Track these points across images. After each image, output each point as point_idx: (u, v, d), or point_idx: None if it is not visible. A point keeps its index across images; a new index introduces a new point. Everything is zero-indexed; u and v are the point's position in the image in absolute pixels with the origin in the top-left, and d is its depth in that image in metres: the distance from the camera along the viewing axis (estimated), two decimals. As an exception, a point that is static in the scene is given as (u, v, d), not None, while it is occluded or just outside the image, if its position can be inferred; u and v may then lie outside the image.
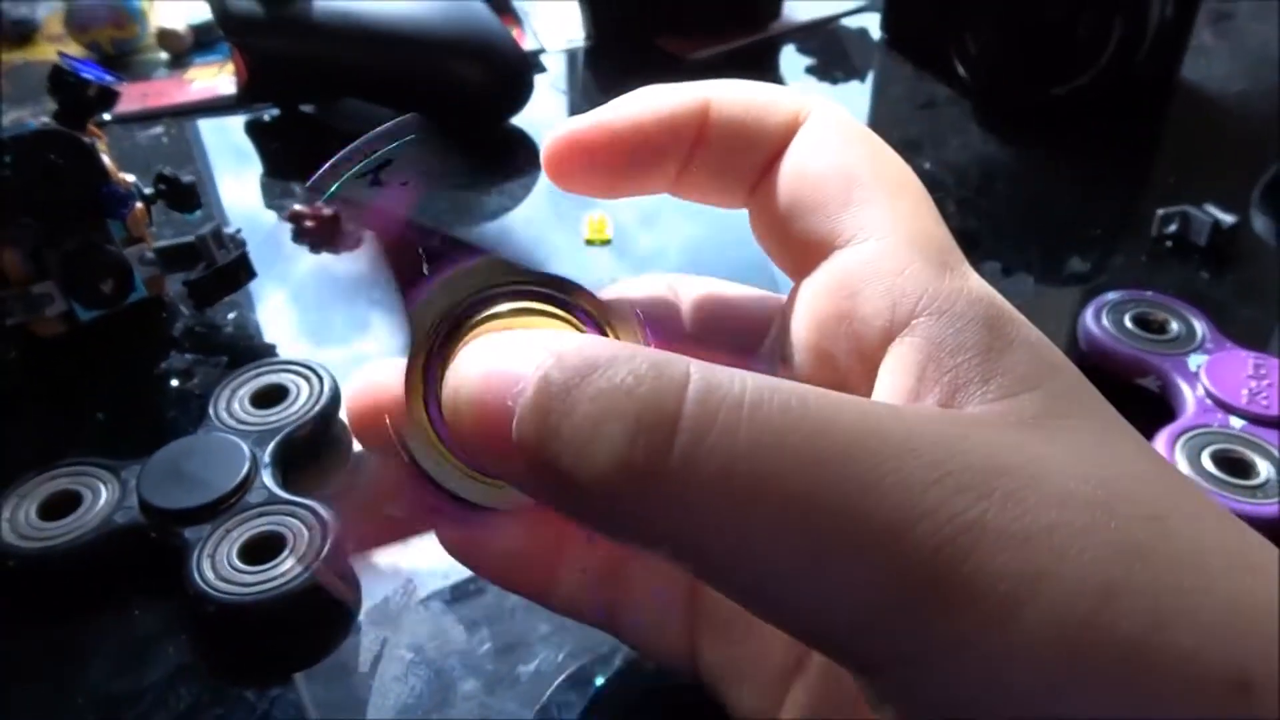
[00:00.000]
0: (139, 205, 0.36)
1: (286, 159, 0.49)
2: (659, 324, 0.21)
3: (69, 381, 0.35)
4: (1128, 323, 0.34)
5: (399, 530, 0.20)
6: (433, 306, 0.19)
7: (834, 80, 0.57)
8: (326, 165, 0.19)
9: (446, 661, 0.26)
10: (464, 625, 0.27)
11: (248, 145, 0.51)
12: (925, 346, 0.17)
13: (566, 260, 0.40)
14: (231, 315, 0.38)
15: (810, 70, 0.58)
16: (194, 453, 0.29)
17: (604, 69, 0.58)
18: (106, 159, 0.35)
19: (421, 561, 0.28)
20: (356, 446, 0.32)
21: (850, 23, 0.62)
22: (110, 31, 0.56)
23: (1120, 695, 0.13)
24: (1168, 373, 0.33)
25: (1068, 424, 0.15)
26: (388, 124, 0.19)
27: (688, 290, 0.23)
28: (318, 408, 0.31)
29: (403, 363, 0.18)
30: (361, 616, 0.27)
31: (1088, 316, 0.35)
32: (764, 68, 0.59)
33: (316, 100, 0.52)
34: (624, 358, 0.14)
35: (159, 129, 0.51)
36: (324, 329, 0.38)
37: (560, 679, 0.25)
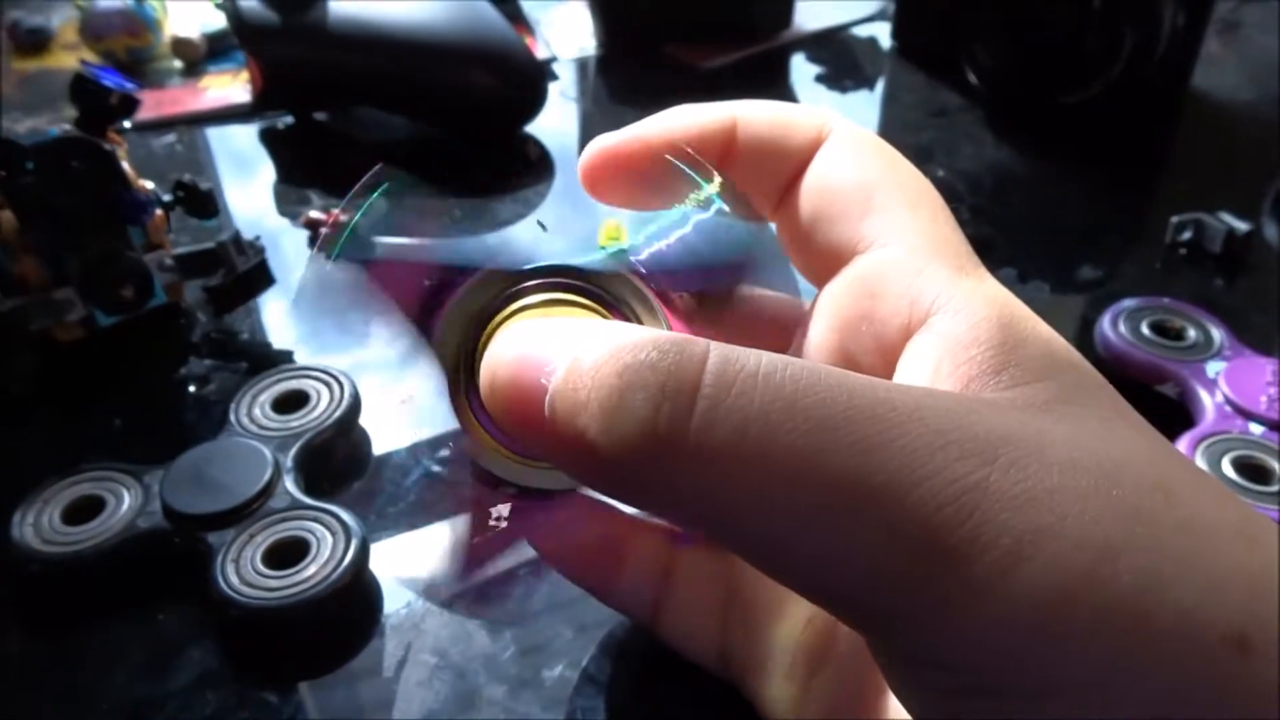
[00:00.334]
0: (158, 212, 0.36)
1: (300, 167, 0.49)
2: (683, 312, 0.22)
3: (88, 387, 0.35)
4: (1145, 329, 0.35)
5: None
6: (468, 302, 0.20)
7: (844, 89, 0.57)
8: (322, 236, 0.20)
9: (470, 666, 0.26)
10: (487, 629, 0.27)
11: (261, 153, 0.51)
12: (941, 343, 0.17)
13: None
14: (249, 321, 0.39)
15: (820, 79, 0.58)
16: (216, 458, 0.29)
17: (615, 78, 0.59)
18: (126, 166, 0.35)
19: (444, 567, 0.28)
20: (377, 452, 0.32)
21: (860, 32, 0.63)
22: (125, 40, 0.56)
23: (1118, 648, 0.13)
24: (1186, 379, 0.33)
25: (1076, 410, 0.16)
26: (361, 181, 0.20)
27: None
28: (339, 413, 0.31)
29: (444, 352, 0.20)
30: (385, 621, 0.27)
31: (1105, 323, 0.35)
32: (774, 77, 0.59)
33: (331, 108, 0.52)
34: (648, 338, 0.15)
35: (172, 137, 0.52)
36: (341, 335, 0.38)
37: (584, 683, 0.25)
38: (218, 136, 0.52)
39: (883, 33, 0.62)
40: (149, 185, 0.36)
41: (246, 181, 0.49)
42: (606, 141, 0.22)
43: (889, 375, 0.19)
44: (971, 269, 0.19)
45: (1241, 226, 0.41)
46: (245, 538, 0.27)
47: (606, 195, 0.22)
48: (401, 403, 0.21)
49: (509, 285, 0.20)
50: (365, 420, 0.33)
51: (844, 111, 0.56)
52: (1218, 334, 0.34)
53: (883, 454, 0.14)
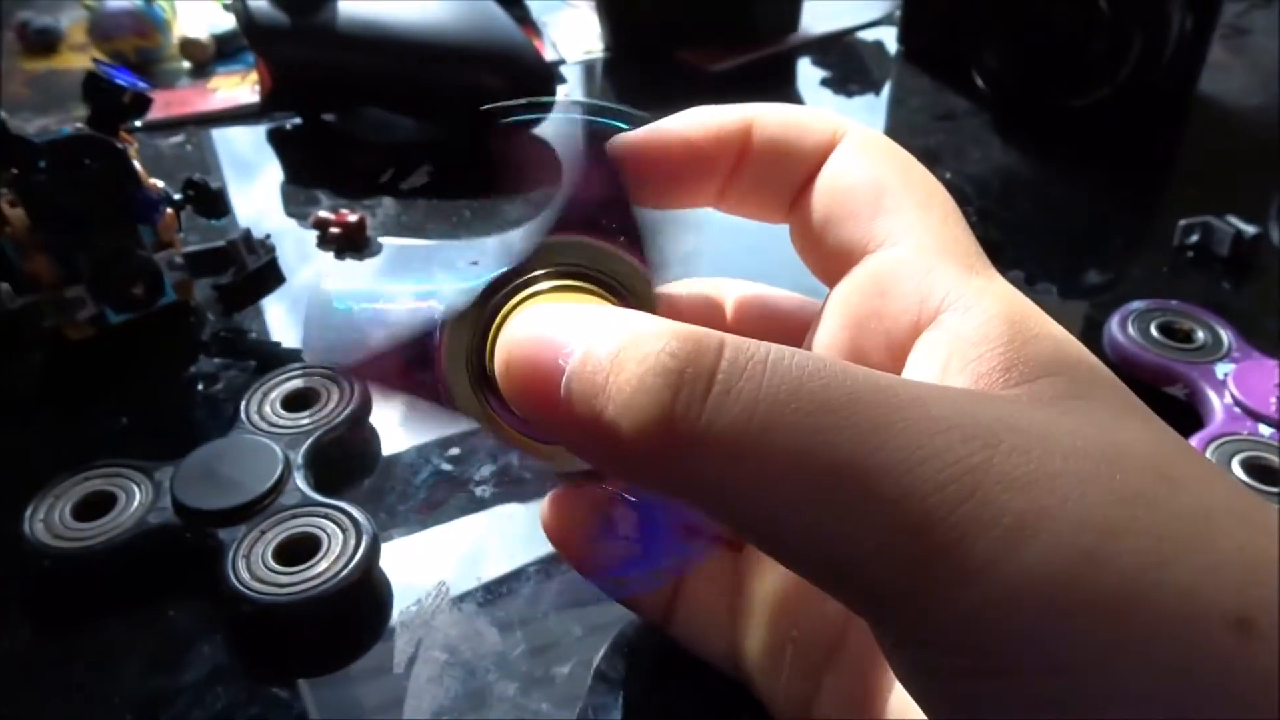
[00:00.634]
0: (169, 211, 0.36)
1: (308, 167, 0.50)
2: (701, 315, 0.22)
3: (98, 384, 0.36)
4: (1154, 331, 0.35)
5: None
6: (477, 297, 0.20)
7: (850, 93, 0.57)
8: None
9: (481, 663, 0.26)
10: (497, 627, 0.27)
11: (269, 153, 0.51)
12: (950, 340, 0.18)
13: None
14: (257, 320, 0.39)
15: (827, 83, 0.58)
16: (227, 455, 0.29)
17: (621, 80, 0.59)
18: (138, 165, 0.35)
19: (454, 564, 0.28)
20: (387, 449, 0.32)
21: (867, 36, 0.63)
22: (134, 40, 0.56)
23: (1119, 627, 0.13)
24: (1195, 381, 0.33)
25: (1083, 403, 0.16)
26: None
27: (731, 291, 0.25)
28: (348, 411, 0.31)
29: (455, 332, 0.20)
30: (395, 618, 0.27)
31: (1113, 325, 0.35)
32: (781, 80, 0.59)
33: (339, 109, 0.52)
34: (667, 328, 0.16)
35: (181, 137, 0.52)
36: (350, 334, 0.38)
37: (595, 680, 0.25)
38: (226, 137, 0.52)
39: (889, 37, 0.62)
40: (160, 184, 0.36)
41: (254, 182, 0.49)
42: (624, 140, 0.22)
43: (899, 372, 0.19)
44: (982, 268, 0.19)
45: (1249, 230, 0.41)
46: (256, 534, 0.27)
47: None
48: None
49: (514, 277, 0.20)
50: (375, 418, 0.33)
51: (851, 115, 0.56)
52: (1226, 336, 0.34)
53: (884, 434, 0.14)
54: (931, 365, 0.18)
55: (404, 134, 0.51)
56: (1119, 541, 0.13)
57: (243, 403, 0.32)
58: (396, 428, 0.33)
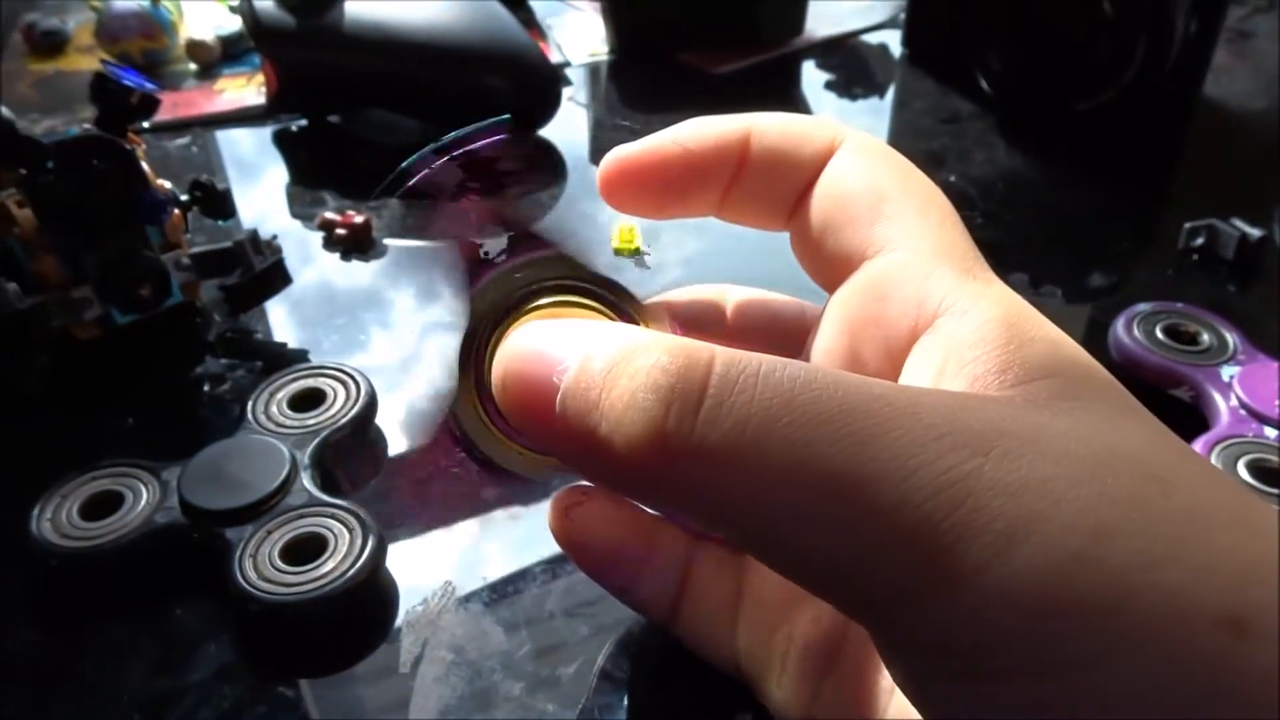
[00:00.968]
0: (176, 211, 0.36)
1: (313, 169, 0.50)
2: (699, 324, 0.22)
3: (105, 385, 0.36)
4: (1159, 334, 0.35)
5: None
6: (482, 300, 0.21)
7: (855, 96, 0.57)
8: (427, 149, 0.21)
9: (486, 663, 0.26)
10: (503, 627, 0.27)
11: (275, 155, 0.51)
12: (946, 343, 0.18)
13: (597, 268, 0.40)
14: (264, 321, 0.39)
15: (831, 86, 0.58)
16: (234, 454, 0.29)
17: (626, 83, 0.59)
18: (145, 166, 0.35)
19: (460, 564, 0.29)
20: (393, 450, 0.33)
21: (871, 39, 0.63)
22: (140, 42, 0.57)
23: (1111, 627, 0.13)
24: (1200, 383, 0.33)
25: (1078, 405, 0.16)
26: (478, 124, 0.20)
27: (733, 297, 0.25)
28: (355, 411, 0.32)
29: (456, 343, 0.20)
30: (401, 618, 0.27)
31: (1119, 327, 0.35)
32: (785, 83, 0.59)
33: (345, 110, 0.53)
34: (657, 342, 0.16)
35: (187, 139, 0.52)
36: (356, 334, 0.38)
37: (600, 680, 0.25)
38: (232, 138, 0.52)
39: (893, 39, 0.62)
40: (167, 185, 0.37)
41: (260, 183, 0.49)
42: (624, 152, 0.22)
43: (897, 377, 0.19)
44: (979, 272, 0.19)
45: (1254, 232, 0.41)
46: (263, 534, 0.27)
47: (624, 204, 0.23)
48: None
49: (520, 287, 0.20)
50: (382, 418, 0.33)
51: (855, 118, 0.56)
52: (1231, 338, 0.34)
53: (876, 445, 0.14)
54: (928, 369, 0.18)
55: (409, 136, 0.51)
56: (1110, 543, 0.13)
57: (249, 403, 0.32)
58: (402, 424, 0.33)
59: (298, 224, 0.45)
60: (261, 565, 0.26)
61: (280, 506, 0.28)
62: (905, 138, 0.53)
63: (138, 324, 0.36)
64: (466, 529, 0.30)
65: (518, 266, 0.21)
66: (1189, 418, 0.33)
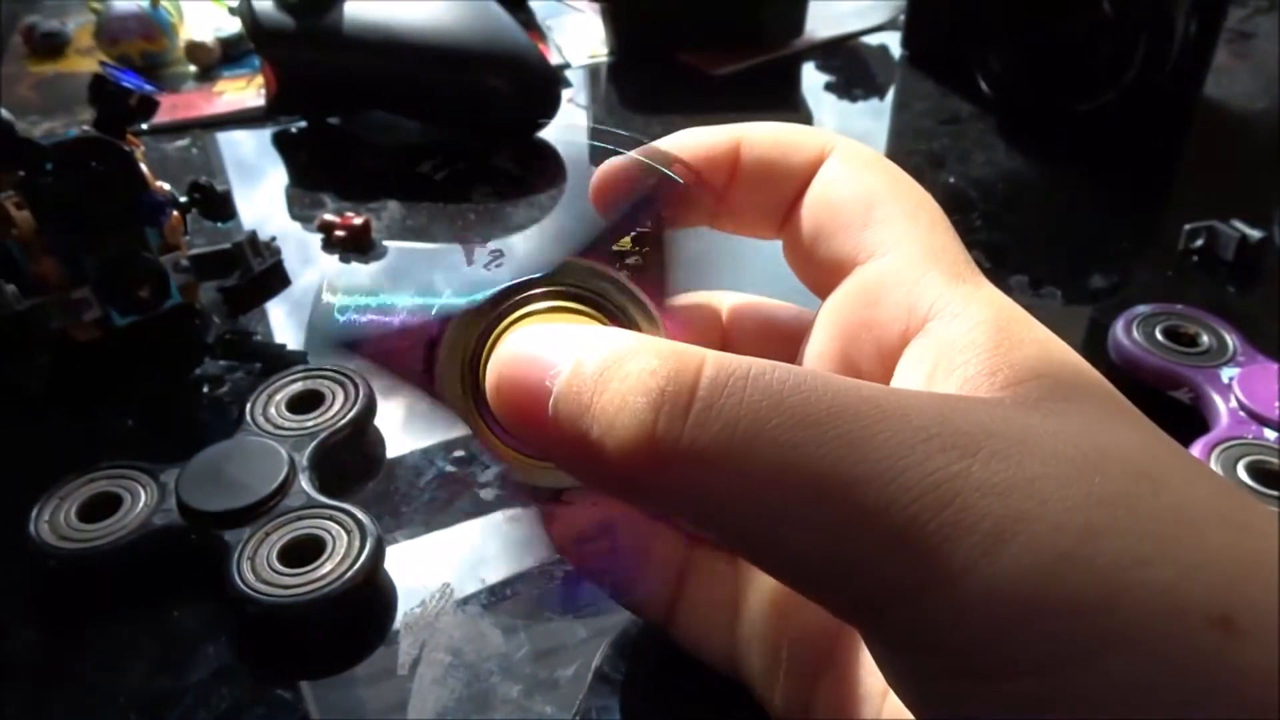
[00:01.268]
0: (175, 213, 0.36)
1: (313, 170, 0.50)
2: (694, 329, 0.22)
3: (104, 386, 0.36)
4: (1159, 335, 0.35)
5: None
6: (478, 306, 0.20)
7: (855, 97, 0.57)
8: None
9: (484, 665, 0.26)
10: (501, 629, 0.27)
11: (274, 156, 0.51)
12: (937, 346, 0.18)
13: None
14: (263, 323, 0.39)
15: (831, 87, 0.58)
16: (232, 456, 0.29)
17: (626, 85, 0.59)
18: (144, 167, 0.35)
19: (458, 566, 0.28)
20: (391, 451, 0.33)
21: (871, 40, 0.63)
22: (140, 44, 0.57)
23: (1100, 624, 0.13)
24: (1200, 385, 0.33)
25: (1068, 406, 0.16)
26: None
27: (728, 303, 0.25)
28: (353, 413, 0.32)
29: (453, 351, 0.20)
30: (400, 620, 0.27)
31: (1118, 329, 0.35)
32: (785, 85, 0.59)
33: (344, 112, 0.53)
34: (648, 346, 0.16)
35: (186, 140, 0.52)
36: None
37: (597, 681, 0.25)
38: (231, 140, 0.52)
39: (893, 41, 0.62)
40: (166, 187, 0.37)
41: (259, 185, 0.49)
42: (616, 164, 0.22)
43: (888, 381, 0.19)
44: (969, 275, 0.19)
45: (1254, 234, 0.41)
46: (261, 535, 0.27)
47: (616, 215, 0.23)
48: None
49: (513, 294, 0.20)
50: (380, 420, 0.33)
51: (855, 119, 0.56)
52: (1231, 340, 0.34)
53: (864, 447, 0.14)
54: (919, 372, 0.18)
55: (409, 137, 0.51)
56: (1098, 542, 0.13)
57: (248, 405, 0.32)
58: (401, 430, 0.33)
59: (297, 226, 0.45)
60: (260, 567, 0.26)
61: (278, 508, 0.28)
62: (905, 139, 0.53)
63: (137, 325, 0.36)
64: (465, 531, 0.30)
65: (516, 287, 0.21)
66: (1188, 419, 0.32)
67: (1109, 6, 0.47)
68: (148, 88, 0.35)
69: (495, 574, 0.28)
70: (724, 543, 0.17)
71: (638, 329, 0.21)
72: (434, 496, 0.31)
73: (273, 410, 0.32)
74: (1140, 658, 0.13)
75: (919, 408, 0.15)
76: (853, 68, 0.60)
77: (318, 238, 0.43)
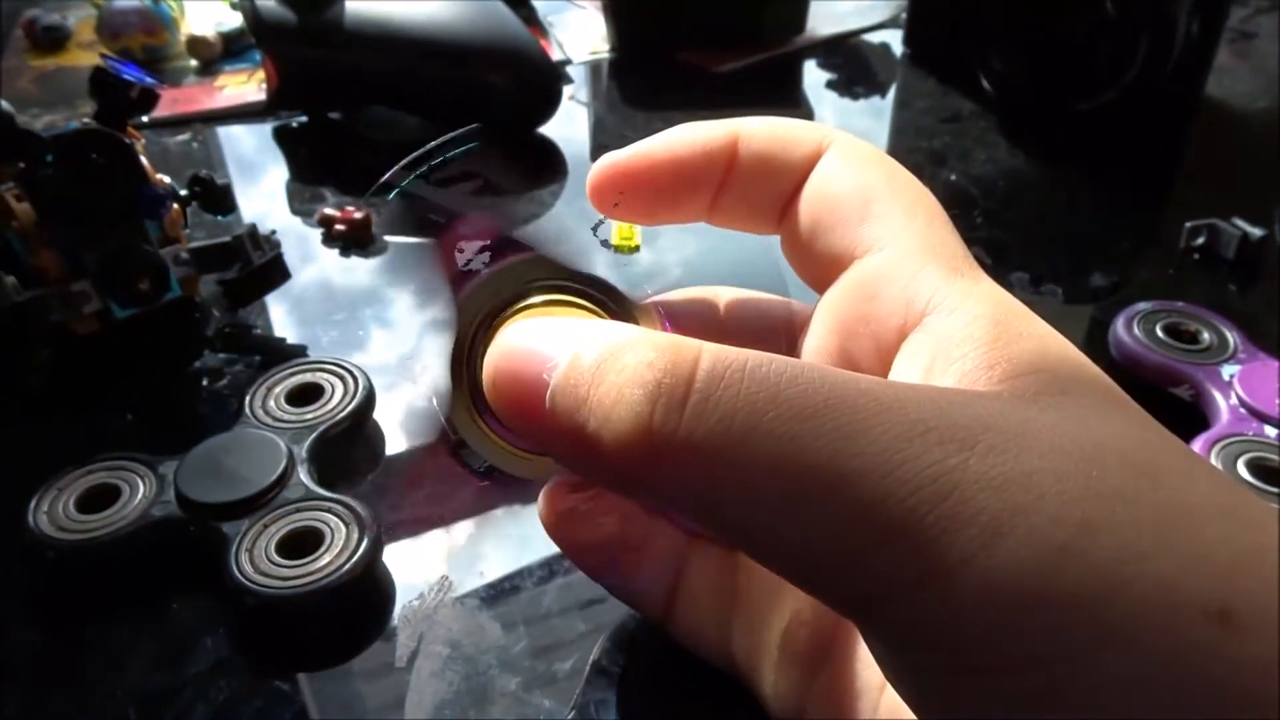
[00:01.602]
0: (175, 206, 0.36)
1: (313, 165, 0.50)
2: (691, 323, 0.22)
3: (103, 379, 0.36)
4: (1159, 332, 0.35)
5: None
6: (475, 299, 0.21)
7: (856, 95, 0.57)
8: (399, 166, 0.21)
9: (483, 659, 0.26)
10: (500, 623, 0.27)
11: (275, 151, 0.51)
12: (934, 340, 0.18)
13: (593, 266, 0.40)
14: (262, 316, 0.39)
15: (832, 85, 0.58)
16: (231, 449, 0.29)
17: (627, 81, 0.59)
18: (144, 160, 0.35)
19: (457, 559, 0.28)
20: (390, 447, 0.32)
21: (873, 38, 0.63)
22: (141, 38, 0.57)
23: (1098, 618, 0.13)
24: (1201, 382, 0.33)
25: (1066, 399, 0.16)
26: (452, 133, 0.21)
27: (726, 297, 0.25)
28: (352, 406, 0.31)
29: (448, 345, 0.20)
30: (398, 613, 0.27)
31: (1119, 326, 0.35)
32: (787, 82, 0.59)
33: (346, 107, 0.53)
34: (645, 339, 0.16)
35: (187, 134, 0.52)
36: (354, 330, 0.38)
37: (595, 674, 0.25)
38: (232, 134, 0.52)
39: (895, 39, 0.62)
40: (166, 180, 0.36)
41: (260, 179, 0.49)
42: (613, 159, 0.22)
43: (886, 375, 0.19)
44: (967, 270, 0.19)
45: (1255, 232, 0.41)
46: (259, 527, 0.27)
47: (615, 210, 0.23)
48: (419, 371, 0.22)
49: (513, 285, 0.20)
50: (379, 413, 0.33)
51: (856, 117, 0.56)
52: (1232, 337, 0.34)
53: (861, 440, 0.14)
54: (917, 366, 0.18)
55: (410, 132, 0.51)
56: (1095, 536, 0.13)
57: (247, 397, 0.32)
58: (400, 423, 0.33)
59: (297, 220, 0.45)
60: (258, 559, 0.26)
61: (277, 500, 0.28)
62: (906, 137, 0.53)
63: (136, 318, 0.36)
64: (463, 524, 0.30)
65: (506, 268, 0.21)
66: (1189, 416, 0.32)
67: (1111, 6, 0.47)
68: (148, 80, 0.35)
69: (494, 567, 0.28)
70: (721, 536, 0.16)
71: (635, 323, 0.21)
72: (433, 490, 0.31)
73: (272, 403, 0.32)
74: (1139, 651, 0.13)
75: (916, 401, 0.15)
76: (854, 66, 0.60)
77: (318, 232, 0.43)
